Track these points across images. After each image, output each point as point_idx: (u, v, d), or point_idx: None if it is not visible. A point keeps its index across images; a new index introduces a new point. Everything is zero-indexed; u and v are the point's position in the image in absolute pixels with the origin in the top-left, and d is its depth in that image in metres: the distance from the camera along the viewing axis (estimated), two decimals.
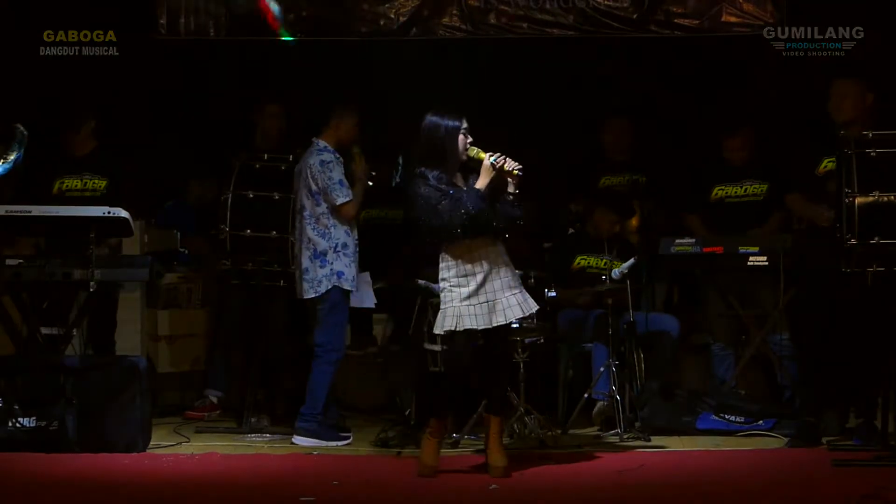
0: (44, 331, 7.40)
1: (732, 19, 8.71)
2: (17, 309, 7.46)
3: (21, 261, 7.09)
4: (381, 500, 5.93)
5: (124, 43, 8.62)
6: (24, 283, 7.13)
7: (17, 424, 6.79)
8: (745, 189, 7.81)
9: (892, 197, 6.25)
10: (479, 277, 6.22)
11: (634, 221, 8.34)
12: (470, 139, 6.31)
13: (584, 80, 9.20)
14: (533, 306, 6.37)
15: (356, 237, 7.32)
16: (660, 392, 7.35)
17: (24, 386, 6.85)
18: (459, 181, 6.31)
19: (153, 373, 7.34)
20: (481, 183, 6.23)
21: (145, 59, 8.83)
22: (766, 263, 7.39)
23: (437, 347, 6.85)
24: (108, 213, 6.96)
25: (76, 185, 7.47)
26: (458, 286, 6.23)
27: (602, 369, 7.36)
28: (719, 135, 7.93)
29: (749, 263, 7.43)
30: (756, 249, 7.41)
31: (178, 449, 7.00)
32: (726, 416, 7.29)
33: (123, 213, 6.99)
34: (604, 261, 7.72)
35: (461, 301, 6.21)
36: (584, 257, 7.84)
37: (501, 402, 6.47)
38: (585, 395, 7.44)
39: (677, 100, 9.00)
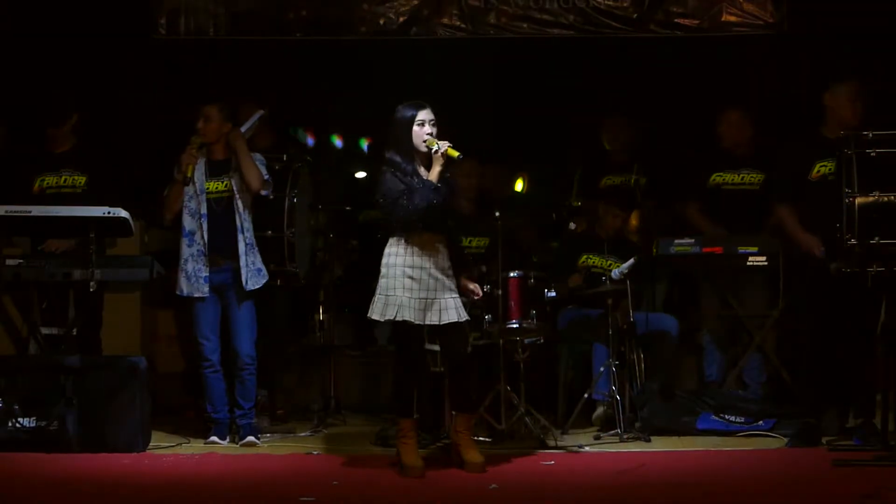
0: (44, 331, 7.39)
1: (732, 19, 8.70)
2: (16, 309, 7.46)
3: (21, 261, 7.08)
4: (380, 500, 5.93)
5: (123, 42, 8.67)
6: (23, 282, 7.14)
7: (17, 424, 6.79)
8: (743, 177, 7.81)
9: (892, 197, 6.25)
10: (425, 273, 6.32)
11: (634, 221, 8.35)
12: (430, 130, 6.35)
13: (584, 80, 9.19)
14: (465, 316, 6.43)
15: (188, 242, 7.11)
16: (660, 392, 7.35)
17: (24, 386, 6.86)
18: (425, 173, 6.37)
19: (153, 373, 7.33)
20: (433, 174, 6.32)
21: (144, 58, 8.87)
22: (766, 263, 7.40)
23: (437, 347, 6.86)
24: (108, 213, 6.95)
25: (54, 182, 7.40)
26: (405, 276, 6.32)
27: (602, 369, 7.36)
28: (715, 124, 7.93)
29: (748, 263, 7.43)
30: (755, 249, 7.42)
31: (178, 449, 7.01)
32: (726, 416, 7.28)
33: (123, 213, 6.98)
34: (608, 261, 7.72)
35: (404, 291, 6.30)
36: (590, 256, 7.84)
37: (465, 399, 6.53)
38: (585, 395, 7.44)
39: (677, 99, 9.01)
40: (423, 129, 6.36)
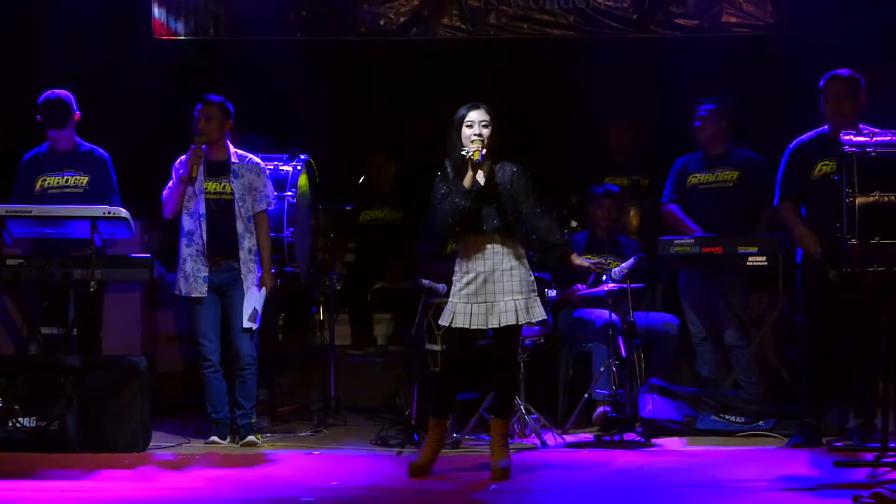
0: (44, 331, 7.39)
1: (732, 19, 8.71)
2: (17, 309, 7.46)
3: (21, 261, 7.09)
4: (381, 500, 5.93)
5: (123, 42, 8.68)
6: (23, 282, 7.14)
7: (17, 424, 6.79)
8: (717, 175, 7.80)
9: (892, 197, 6.25)
10: (480, 277, 6.22)
11: (634, 221, 8.34)
12: (478, 131, 6.16)
13: (584, 80, 9.19)
14: (538, 315, 6.28)
15: (187, 242, 7.14)
16: (660, 392, 7.34)
17: (24, 386, 6.86)
18: (469, 177, 6.18)
19: (153, 373, 7.34)
20: (467, 179, 6.18)
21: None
22: (766, 263, 7.39)
23: (438, 347, 6.86)
24: (108, 212, 6.96)
25: (57, 182, 7.37)
26: (459, 282, 6.27)
27: (602, 369, 7.36)
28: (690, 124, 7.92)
29: (748, 263, 7.43)
30: (755, 249, 7.41)
31: (178, 449, 7.01)
32: (726, 416, 7.28)
33: (123, 213, 6.99)
34: (608, 260, 7.72)
35: (459, 298, 6.25)
36: (589, 256, 7.83)
37: (503, 405, 6.42)
38: (585, 395, 7.44)
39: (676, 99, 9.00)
40: (471, 130, 6.18)
